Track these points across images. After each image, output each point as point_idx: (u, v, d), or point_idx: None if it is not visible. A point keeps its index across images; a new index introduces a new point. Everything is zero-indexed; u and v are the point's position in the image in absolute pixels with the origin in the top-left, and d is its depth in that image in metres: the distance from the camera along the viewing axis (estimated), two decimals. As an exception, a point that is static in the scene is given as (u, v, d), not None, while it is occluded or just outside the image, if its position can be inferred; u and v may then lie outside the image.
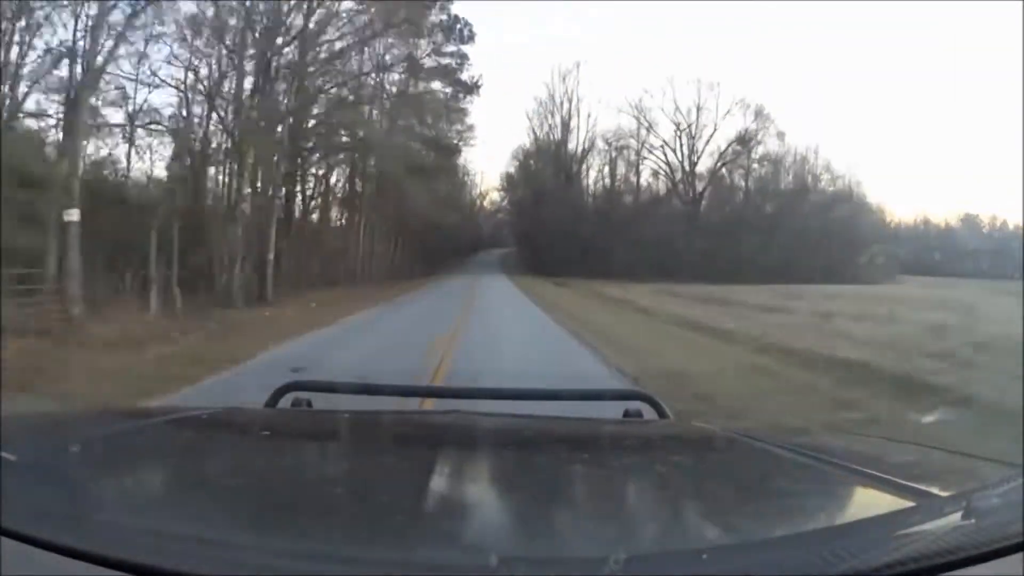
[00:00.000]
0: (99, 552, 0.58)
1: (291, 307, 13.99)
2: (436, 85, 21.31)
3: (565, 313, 14.29)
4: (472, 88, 20.77)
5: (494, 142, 56.01)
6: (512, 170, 38.71)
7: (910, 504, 0.73)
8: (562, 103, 35.22)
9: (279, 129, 16.16)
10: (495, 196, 41.66)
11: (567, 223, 31.94)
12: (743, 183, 34.19)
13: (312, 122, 19.13)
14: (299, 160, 19.64)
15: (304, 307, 14.25)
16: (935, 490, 0.80)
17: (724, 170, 33.56)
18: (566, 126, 35.04)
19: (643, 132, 34.04)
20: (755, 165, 33.27)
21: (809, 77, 46.42)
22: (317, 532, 0.68)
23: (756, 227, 31.12)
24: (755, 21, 43.13)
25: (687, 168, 34.42)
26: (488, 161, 57.41)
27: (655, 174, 34.42)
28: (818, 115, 46.80)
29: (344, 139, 20.52)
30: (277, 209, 17.02)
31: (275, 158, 15.75)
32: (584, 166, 35.67)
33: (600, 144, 34.88)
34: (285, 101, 16.66)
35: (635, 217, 32.77)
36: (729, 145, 32.94)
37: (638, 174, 34.94)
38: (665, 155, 33.80)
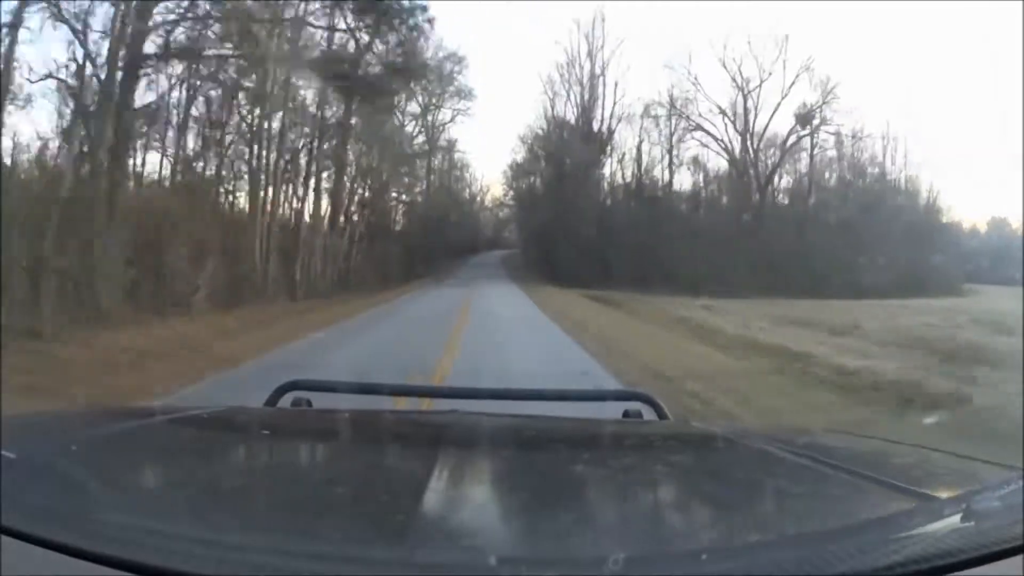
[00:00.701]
0: (99, 551, 0.60)
1: None
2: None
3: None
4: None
5: (496, 135, 49.87)
6: (519, 158, 33.57)
7: (909, 506, 0.76)
8: (584, 65, 29.22)
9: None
10: (497, 192, 37.22)
11: (591, 217, 27.18)
12: (807, 170, 28.89)
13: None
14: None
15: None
16: (934, 492, 0.83)
17: (788, 153, 28.39)
18: (592, 88, 29.10)
19: (687, 100, 27.74)
20: (818, 148, 28.02)
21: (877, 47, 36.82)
22: (316, 532, 0.71)
23: (832, 226, 26.62)
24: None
25: (751, 147, 27.84)
26: (488, 159, 51.14)
27: (695, 161, 28.67)
28: (890, 96, 39.55)
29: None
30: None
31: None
32: (610, 147, 29.99)
33: (632, 116, 28.93)
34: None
35: (674, 211, 27.94)
36: (795, 125, 27.58)
37: (670, 156, 28.53)
38: (726, 126, 27.65)
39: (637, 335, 11.44)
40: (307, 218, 16.94)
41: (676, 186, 28.94)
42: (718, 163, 28.30)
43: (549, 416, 1.35)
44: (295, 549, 0.63)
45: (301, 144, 16.20)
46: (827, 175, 28.45)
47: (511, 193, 35.57)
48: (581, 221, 26.57)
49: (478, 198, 36.95)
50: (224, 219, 13.62)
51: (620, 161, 29.19)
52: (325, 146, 16.88)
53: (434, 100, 23.21)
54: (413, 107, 22.49)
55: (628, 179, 29.36)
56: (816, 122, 26.71)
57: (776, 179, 28.10)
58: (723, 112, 26.91)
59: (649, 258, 24.30)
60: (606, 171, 29.52)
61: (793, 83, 26.28)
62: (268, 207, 14.96)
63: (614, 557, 0.58)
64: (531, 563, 0.63)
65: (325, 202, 18.74)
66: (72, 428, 1.12)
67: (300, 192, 16.85)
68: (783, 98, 26.47)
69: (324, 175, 18.24)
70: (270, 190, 14.95)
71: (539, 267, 28.82)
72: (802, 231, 25.82)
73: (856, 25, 40.06)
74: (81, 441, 0.96)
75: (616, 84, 31.98)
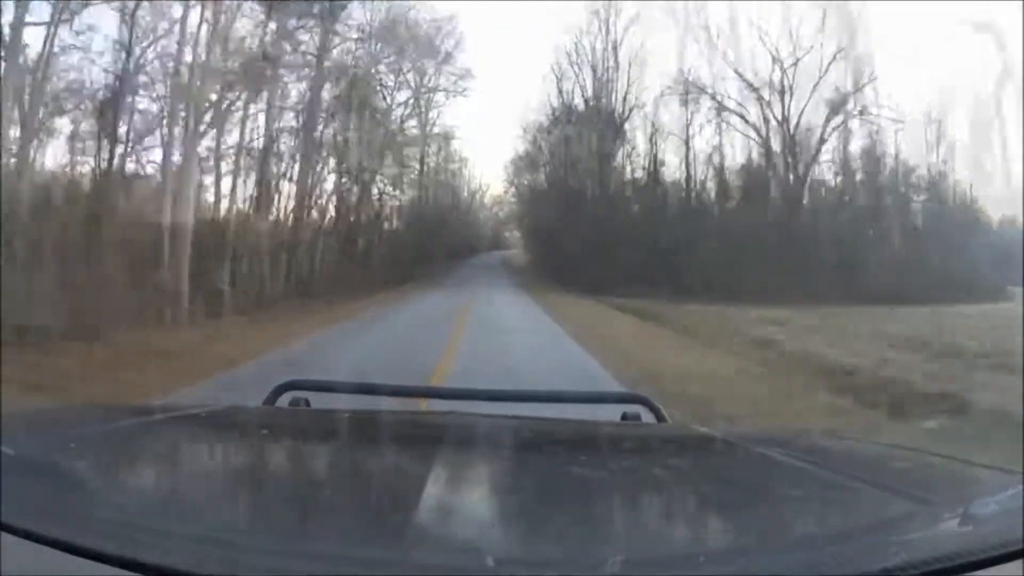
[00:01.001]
0: (97, 548, 0.60)
1: None
2: None
3: None
4: None
5: (496, 133, 44.51)
6: (522, 150, 30.79)
7: (909, 510, 0.77)
8: (596, 39, 26.47)
9: None
10: (497, 190, 35.26)
11: (602, 214, 25.01)
12: (842, 161, 26.48)
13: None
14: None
15: None
16: (934, 496, 0.84)
17: (827, 139, 25.97)
18: (604, 69, 26.40)
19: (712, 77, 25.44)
20: (853, 136, 25.51)
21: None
22: (313, 532, 0.72)
23: (871, 224, 24.64)
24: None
25: (788, 131, 24.53)
26: (488, 158, 44.36)
27: (719, 150, 25.82)
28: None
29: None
30: None
31: None
32: (624, 135, 27.13)
33: (647, 102, 26.50)
34: None
35: (698, 206, 25.59)
36: (828, 113, 25.16)
37: (687, 146, 26.12)
38: (760, 106, 24.84)
39: (736, 382, 7.03)
40: (245, 206, 12.91)
41: (699, 178, 26.61)
42: (746, 152, 25.98)
43: (547, 418, 1.37)
44: (292, 548, 0.64)
45: (228, 96, 11.85)
46: (861, 166, 26.31)
47: (512, 190, 33.81)
48: (592, 219, 24.88)
49: (477, 195, 35.41)
50: (95, 207, 9.33)
51: (630, 156, 27.05)
52: (278, 106, 12.91)
53: (426, 80, 21.50)
54: (405, 97, 21.09)
55: (644, 171, 27.00)
56: (852, 107, 24.32)
57: (812, 171, 26.04)
58: (756, 90, 23.93)
59: (670, 260, 22.29)
60: (619, 162, 27.31)
61: (832, 60, 23.54)
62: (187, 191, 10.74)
63: (612, 559, 0.58)
64: (529, 564, 0.64)
65: (286, 188, 15.18)
66: (70, 425, 1.14)
67: (229, 167, 12.81)
68: (821, 76, 23.88)
69: (276, 147, 14.27)
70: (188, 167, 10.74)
71: (545, 269, 27.10)
72: (839, 229, 24.05)
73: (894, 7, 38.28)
74: (79, 438, 0.98)
75: (630, 65, 28.92)
